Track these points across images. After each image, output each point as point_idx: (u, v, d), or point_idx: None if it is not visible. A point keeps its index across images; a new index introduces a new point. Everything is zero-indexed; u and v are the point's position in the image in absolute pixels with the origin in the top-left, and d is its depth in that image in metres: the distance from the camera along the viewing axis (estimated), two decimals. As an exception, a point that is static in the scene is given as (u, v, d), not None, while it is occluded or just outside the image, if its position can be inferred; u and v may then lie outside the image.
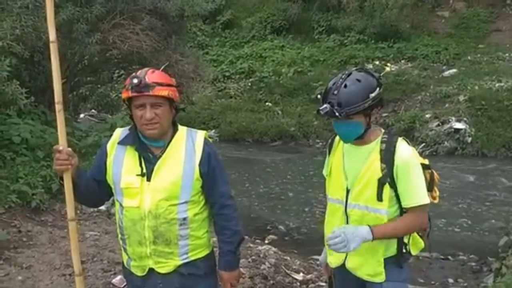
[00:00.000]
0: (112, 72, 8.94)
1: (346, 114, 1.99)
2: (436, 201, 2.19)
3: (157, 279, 2.08)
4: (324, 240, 2.32)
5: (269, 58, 15.29)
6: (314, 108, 11.97)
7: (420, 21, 15.07)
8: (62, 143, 1.96)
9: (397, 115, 11.54)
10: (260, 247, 5.04)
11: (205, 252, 2.13)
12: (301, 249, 5.57)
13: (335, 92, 2.01)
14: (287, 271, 4.41)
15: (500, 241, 4.29)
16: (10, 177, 5.24)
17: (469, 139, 10.41)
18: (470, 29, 14.80)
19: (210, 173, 2.06)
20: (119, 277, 3.82)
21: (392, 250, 2.13)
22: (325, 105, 2.01)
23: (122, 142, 2.08)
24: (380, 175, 2.05)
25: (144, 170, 2.03)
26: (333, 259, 2.25)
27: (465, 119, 10.71)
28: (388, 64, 13.80)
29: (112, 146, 2.10)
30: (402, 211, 2.09)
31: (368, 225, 2.02)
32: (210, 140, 2.15)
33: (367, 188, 2.07)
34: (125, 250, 2.13)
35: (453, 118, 10.76)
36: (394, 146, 2.06)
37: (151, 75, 1.97)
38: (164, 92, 1.97)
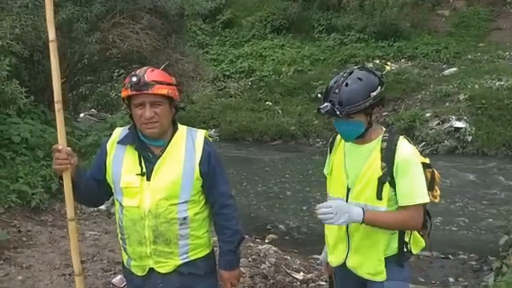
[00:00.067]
0: (112, 71, 8.94)
1: (347, 113, 1.98)
2: (437, 200, 2.18)
3: (157, 279, 2.08)
4: (324, 241, 2.31)
5: (269, 57, 15.27)
6: (314, 107, 11.85)
7: (420, 20, 15.05)
8: (61, 143, 1.95)
9: (397, 114, 11.53)
10: (260, 247, 5.04)
11: (205, 251, 2.13)
12: (301, 248, 5.56)
13: (336, 90, 2.00)
14: (287, 270, 4.41)
15: (501, 240, 4.29)
16: (10, 177, 5.23)
17: (469, 138, 10.41)
18: (471, 28, 14.78)
19: (210, 173, 2.06)
20: (119, 276, 3.81)
21: (393, 249, 2.12)
22: (326, 104, 2.00)
23: (122, 142, 2.08)
24: (380, 173, 2.04)
25: (144, 170, 2.02)
26: (334, 258, 2.25)
27: (465, 118, 10.71)
28: (388, 63, 13.79)
29: (111, 145, 2.09)
30: None
31: (363, 208, 2.01)
32: (210, 139, 2.14)
33: (367, 187, 2.06)
34: (125, 249, 2.12)
35: (453, 117, 10.76)
36: (395, 145, 2.06)
37: (150, 74, 1.96)
38: (164, 90, 1.96)
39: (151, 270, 2.07)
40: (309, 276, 4.35)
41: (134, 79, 1.93)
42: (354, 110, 1.98)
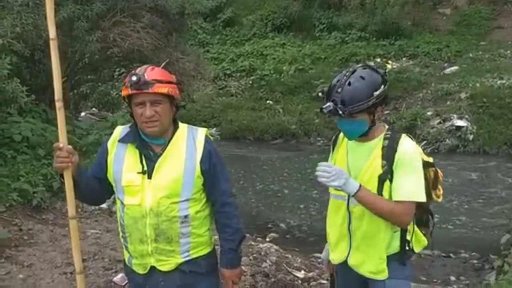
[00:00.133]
0: (113, 70, 8.92)
1: (350, 112, 1.97)
2: (440, 199, 2.17)
3: (158, 277, 2.08)
4: (326, 239, 2.31)
5: (270, 56, 15.25)
6: (315, 106, 11.99)
7: (422, 19, 15.02)
8: (62, 141, 1.95)
9: (399, 113, 11.51)
10: (261, 245, 5.03)
11: (207, 250, 2.13)
12: (302, 247, 5.56)
13: (339, 90, 1.99)
14: (288, 269, 4.41)
15: (502, 239, 4.29)
16: (11, 176, 5.24)
17: (471, 137, 10.39)
18: (472, 26, 14.75)
19: (211, 171, 2.05)
20: (120, 275, 3.81)
21: (395, 247, 2.11)
22: (328, 104, 1.99)
23: (123, 140, 2.07)
24: (381, 171, 2.04)
25: (145, 168, 2.02)
26: (335, 256, 2.24)
27: (466, 116, 10.69)
28: (390, 62, 13.77)
29: (112, 144, 2.09)
30: None
31: (360, 185, 1.99)
32: (211, 137, 2.14)
33: (368, 184, 2.05)
34: (126, 248, 2.12)
35: (455, 116, 10.74)
36: (397, 143, 2.05)
37: (150, 72, 1.96)
38: (164, 89, 1.95)
39: (153, 268, 2.07)
40: (310, 274, 4.35)
41: (134, 78, 1.93)
42: (357, 109, 1.97)
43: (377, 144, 2.09)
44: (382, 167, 2.04)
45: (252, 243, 5.09)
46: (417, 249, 2.16)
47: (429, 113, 11.14)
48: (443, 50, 13.88)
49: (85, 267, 3.66)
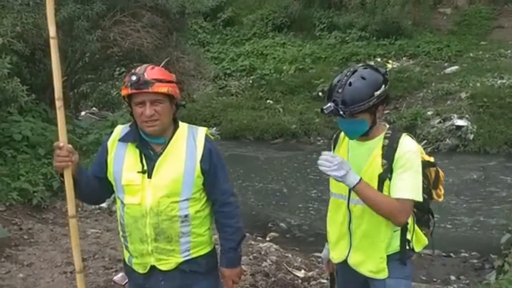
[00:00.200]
0: (113, 69, 8.93)
1: (351, 113, 1.96)
2: (441, 199, 2.17)
3: (158, 276, 2.08)
4: (327, 238, 2.31)
5: (270, 56, 15.24)
6: (316, 106, 11.98)
7: (422, 18, 15.02)
8: (62, 140, 1.94)
9: (399, 112, 11.51)
10: (261, 245, 5.03)
11: (207, 249, 2.12)
12: (302, 246, 5.56)
13: (340, 90, 1.98)
14: (288, 268, 4.40)
15: (502, 238, 4.29)
16: (11, 175, 5.24)
17: (471, 136, 10.38)
18: (472, 26, 14.75)
19: (212, 170, 2.05)
20: (120, 274, 3.81)
21: (395, 246, 2.11)
22: (329, 104, 1.99)
23: (123, 139, 2.07)
24: (381, 171, 2.03)
25: (145, 167, 2.02)
26: (335, 255, 2.24)
27: (467, 116, 10.68)
28: (390, 61, 13.76)
29: (112, 143, 2.09)
30: None
31: (361, 178, 1.98)
32: (211, 137, 2.14)
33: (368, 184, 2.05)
34: (126, 247, 2.12)
35: (455, 115, 10.73)
36: (397, 142, 2.04)
37: (150, 72, 1.95)
38: (164, 88, 1.95)
39: (153, 267, 2.07)
40: (310, 274, 4.35)
41: (134, 77, 1.92)
42: (357, 109, 1.96)
43: (377, 143, 2.08)
44: (382, 166, 2.03)
45: (252, 242, 5.08)
46: (417, 249, 2.15)
47: (429, 113, 11.14)
48: (444, 49, 13.87)
49: (85, 266, 3.67)
